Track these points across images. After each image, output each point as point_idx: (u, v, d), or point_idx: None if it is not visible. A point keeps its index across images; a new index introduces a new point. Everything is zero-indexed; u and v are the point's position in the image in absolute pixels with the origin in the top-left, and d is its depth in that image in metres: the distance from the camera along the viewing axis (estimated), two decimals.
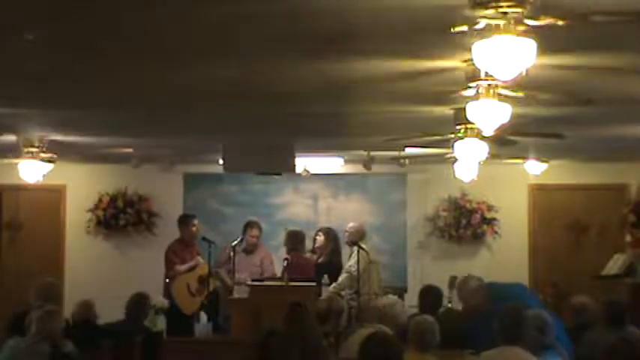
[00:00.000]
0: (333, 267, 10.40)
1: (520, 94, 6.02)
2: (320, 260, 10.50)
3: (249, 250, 10.50)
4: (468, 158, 8.13)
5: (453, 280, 11.27)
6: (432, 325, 5.72)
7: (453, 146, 7.79)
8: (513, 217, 12.43)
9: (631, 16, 4.26)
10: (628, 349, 4.45)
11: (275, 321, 6.56)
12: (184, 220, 10.68)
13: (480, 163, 8.63)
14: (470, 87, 5.97)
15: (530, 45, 4.32)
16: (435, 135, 7.95)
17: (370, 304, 8.88)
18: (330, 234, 10.69)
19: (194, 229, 10.53)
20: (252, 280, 9.66)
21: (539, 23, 4.29)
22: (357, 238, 10.24)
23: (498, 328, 5.40)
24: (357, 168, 11.53)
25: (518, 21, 4.27)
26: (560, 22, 4.27)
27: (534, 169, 11.60)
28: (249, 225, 10.62)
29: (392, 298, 8.48)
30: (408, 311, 7.60)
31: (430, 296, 7.61)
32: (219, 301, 10.19)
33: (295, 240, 10.40)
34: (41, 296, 7.44)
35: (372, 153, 10.63)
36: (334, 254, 10.55)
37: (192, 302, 10.09)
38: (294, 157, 10.20)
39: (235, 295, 9.68)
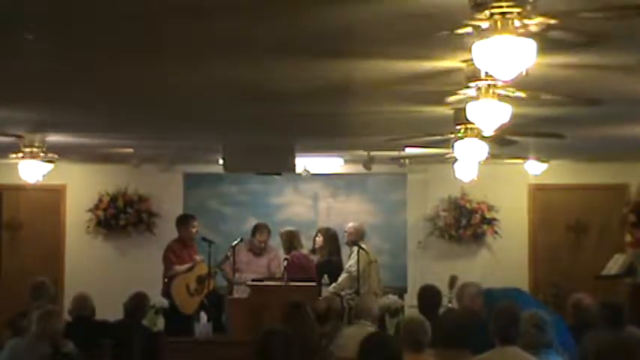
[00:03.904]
0: (332, 266, 10.39)
1: (520, 94, 6.02)
2: (319, 260, 10.49)
3: (258, 253, 10.45)
4: (468, 158, 8.12)
5: (453, 280, 11.30)
6: (422, 323, 5.64)
7: (453, 146, 7.78)
8: (513, 217, 12.42)
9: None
10: (626, 349, 4.44)
11: (275, 321, 6.55)
12: (184, 221, 10.48)
13: (479, 163, 8.63)
14: (470, 87, 5.97)
15: (530, 45, 4.32)
16: (435, 135, 7.94)
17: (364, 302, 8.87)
18: (328, 234, 10.68)
19: (194, 230, 10.34)
20: (252, 280, 9.65)
21: (538, 24, 4.30)
22: (357, 238, 10.25)
23: (494, 328, 5.38)
24: (357, 168, 11.53)
25: (519, 21, 4.27)
26: (554, 22, 4.27)
27: (534, 169, 11.60)
28: (257, 228, 10.50)
29: (392, 297, 8.50)
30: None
31: (429, 296, 7.59)
32: (224, 299, 10.15)
33: (292, 239, 10.36)
34: (33, 295, 7.45)
35: (372, 153, 10.63)
36: (333, 254, 10.54)
37: (191, 302, 10.05)
38: (294, 157, 10.19)
39: (235, 295, 9.66)
